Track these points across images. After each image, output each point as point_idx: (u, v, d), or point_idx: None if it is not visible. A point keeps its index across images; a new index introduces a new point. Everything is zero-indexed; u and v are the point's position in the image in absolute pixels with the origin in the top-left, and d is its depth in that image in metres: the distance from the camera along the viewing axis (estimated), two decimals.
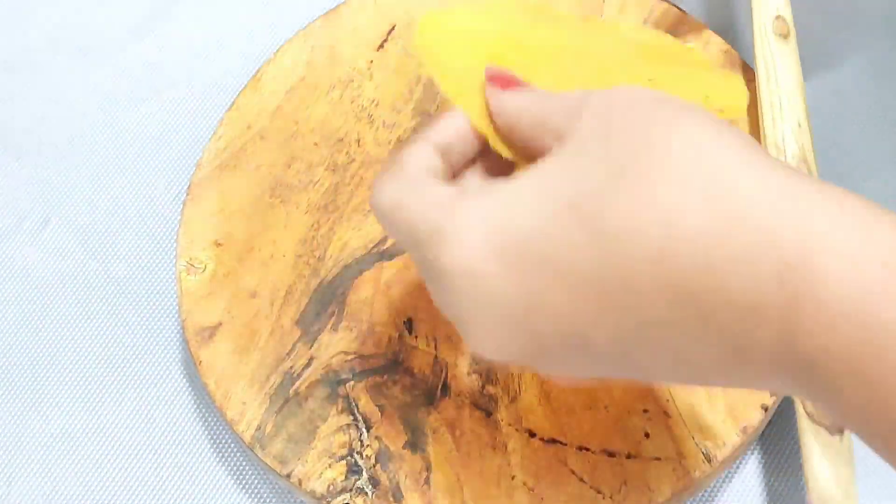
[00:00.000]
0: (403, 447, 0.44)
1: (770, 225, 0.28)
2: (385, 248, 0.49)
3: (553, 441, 0.44)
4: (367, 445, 0.45)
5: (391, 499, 0.43)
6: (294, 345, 0.47)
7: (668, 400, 0.44)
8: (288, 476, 0.44)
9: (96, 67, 0.61)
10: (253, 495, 0.49)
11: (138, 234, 0.56)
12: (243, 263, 0.49)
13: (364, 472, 0.44)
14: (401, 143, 0.52)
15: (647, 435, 0.44)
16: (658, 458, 0.43)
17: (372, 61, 0.54)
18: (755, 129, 0.49)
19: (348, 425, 0.45)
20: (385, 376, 0.46)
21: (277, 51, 0.54)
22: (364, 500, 0.43)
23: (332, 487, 0.44)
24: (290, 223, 0.50)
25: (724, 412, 0.44)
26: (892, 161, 0.54)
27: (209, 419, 0.51)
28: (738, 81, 0.39)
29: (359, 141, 0.52)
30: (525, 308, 0.30)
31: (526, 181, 0.32)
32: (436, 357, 0.46)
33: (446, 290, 0.32)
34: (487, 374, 0.46)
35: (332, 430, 0.45)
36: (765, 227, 0.27)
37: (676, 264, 0.28)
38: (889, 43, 0.57)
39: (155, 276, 0.54)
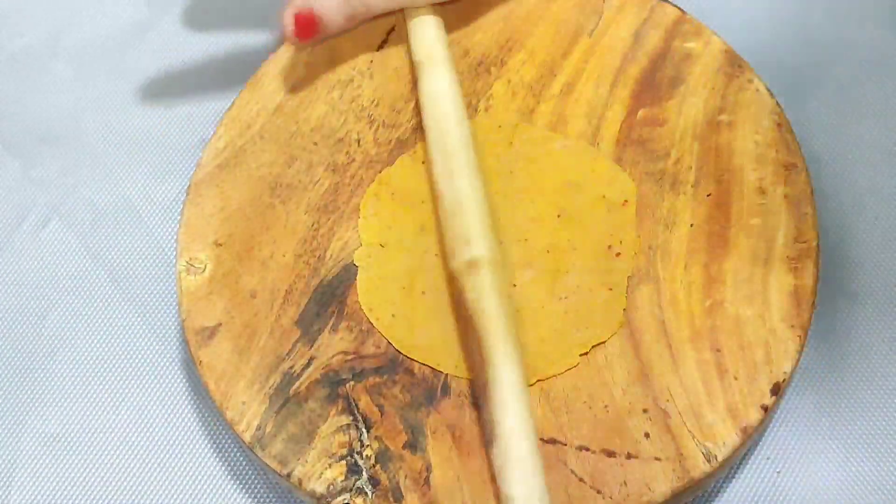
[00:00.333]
0: (403, 447, 0.44)
1: None
2: None
3: (553, 441, 0.44)
4: (367, 445, 0.45)
5: (391, 499, 0.43)
6: (294, 345, 0.47)
7: (668, 400, 0.44)
8: (288, 476, 0.44)
9: (96, 67, 0.61)
10: (253, 495, 0.49)
11: (138, 235, 0.56)
12: (243, 263, 0.49)
13: (364, 472, 0.44)
14: (400, 143, 0.52)
15: (647, 435, 0.44)
16: (658, 458, 0.43)
17: (372, 61, 0.54)
18: None
19: (348, 425, 0.45)
20: (385, 376, 0.46)
21: (277, 51, 0.54)
22: (364, 500, 0.43)
23: (332, 487, 0.44)
24: (290, 223, 0.50)
25: (724, 412, 0.44)
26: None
27: (209, 419, 0.51)
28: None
29: (359, 141, 0.52)
30: None
31: None
32: None
33: None
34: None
35: (332, 430, 0.45)
36: None
37: None
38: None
39: (155, 277, 0.54)
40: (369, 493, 0.43)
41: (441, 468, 0.44)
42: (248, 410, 0.46)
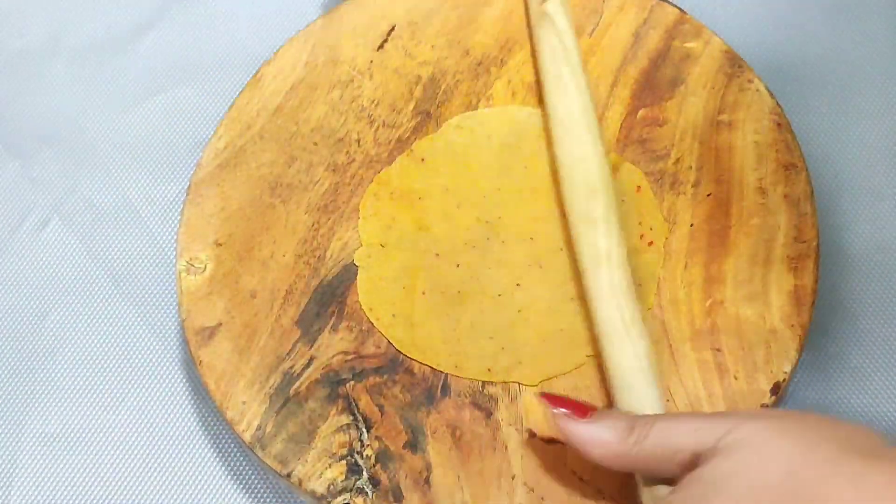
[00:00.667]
0: (403, 447, 0.44)
1: None
2: None
3: (553, 441, 0.44)
4: (367, 445, 0.45)
5: (391, 499, 0.43)
6: (294, 345, 0.47)
7: (668, 399, 0.44)
8: (288, 476, 0.44)
9: (96, 67, 0.61)
10: (253, 495, 0.49)
11: (138, 234, 0.56)
12: (243, 263, 0.49)
13: (364, 472, 0.44)
14: (400, 143, 0.52)
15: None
16: None
17: (372, 61, 0.54)
18: None
19: (348, 425, 0.45)
20: (385, 376, 0.46)
21: (277, 51, 0.54)
22: (364, 500, 0.43)
23: (332, 487, 0.44)
24: (291, 223, 0.50)
25: None
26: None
27: (209, 419, 0.51)
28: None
29: (359, 141, 0.52)
30: None
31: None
32: None
33: None
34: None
35: (332, 430, 0.45)
36: None
37: None
38: None
39: (155, 276, 0.54)
40: (369, 493, 0.43)
41: (441, 468, 0.44)
42: (249, 410, 0.46)
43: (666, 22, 0.53)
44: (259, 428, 0.45)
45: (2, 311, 0.54)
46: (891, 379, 0.49)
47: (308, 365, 0.46)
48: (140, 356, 0.52)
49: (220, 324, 0.48)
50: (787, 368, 0.44)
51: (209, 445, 0.50)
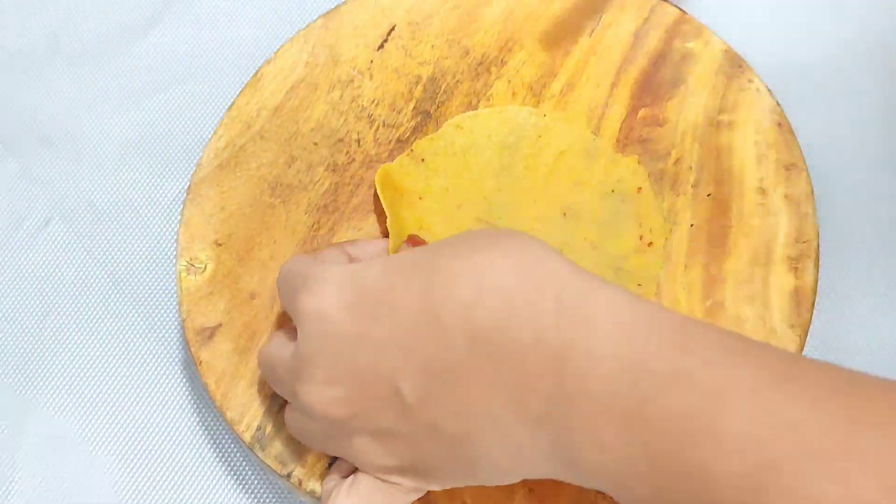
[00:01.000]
0: None
1: (558, 283, 0.34)
2: None
3: None
4: None
5: None
6: None
7: None
8: (288, 476, 0.44)
9: (96, 67, 0.61)
10: (253, 495, 0.49)
11: (138, 234, 0.56)
12: (243, 263, 0.49)
13: None
14: (401, 143, 0.52)
15: None
16: None
17: (372, 61, 0.54)
18: None
19: None
20: None
21: (277, 51, 0.54)
22: None
23: None
24: (290, 223, 0.50)
25: None
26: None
27: (209, 419, 0.51)
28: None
29: (359, 141, 0.52)
30: (355, 339, 0.37)
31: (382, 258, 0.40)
32: None
33: (302, 330, 0.38)
34: None
35: None
36: (552, 283, 0.34)
37: (481, 310, 0.34)
38: None
39: (155, 276, 0.54)
40: None
41: None
42: (248, 411, 0.46)
43: (666, 22, 0.53)
44: (259, 428, 0.45)
45: (2, 311, 0.54)
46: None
47: None
48: (140, 356, 0.52)
49: (221, 324, 0.48)
50: None
51: (209, 445, 0.50)
